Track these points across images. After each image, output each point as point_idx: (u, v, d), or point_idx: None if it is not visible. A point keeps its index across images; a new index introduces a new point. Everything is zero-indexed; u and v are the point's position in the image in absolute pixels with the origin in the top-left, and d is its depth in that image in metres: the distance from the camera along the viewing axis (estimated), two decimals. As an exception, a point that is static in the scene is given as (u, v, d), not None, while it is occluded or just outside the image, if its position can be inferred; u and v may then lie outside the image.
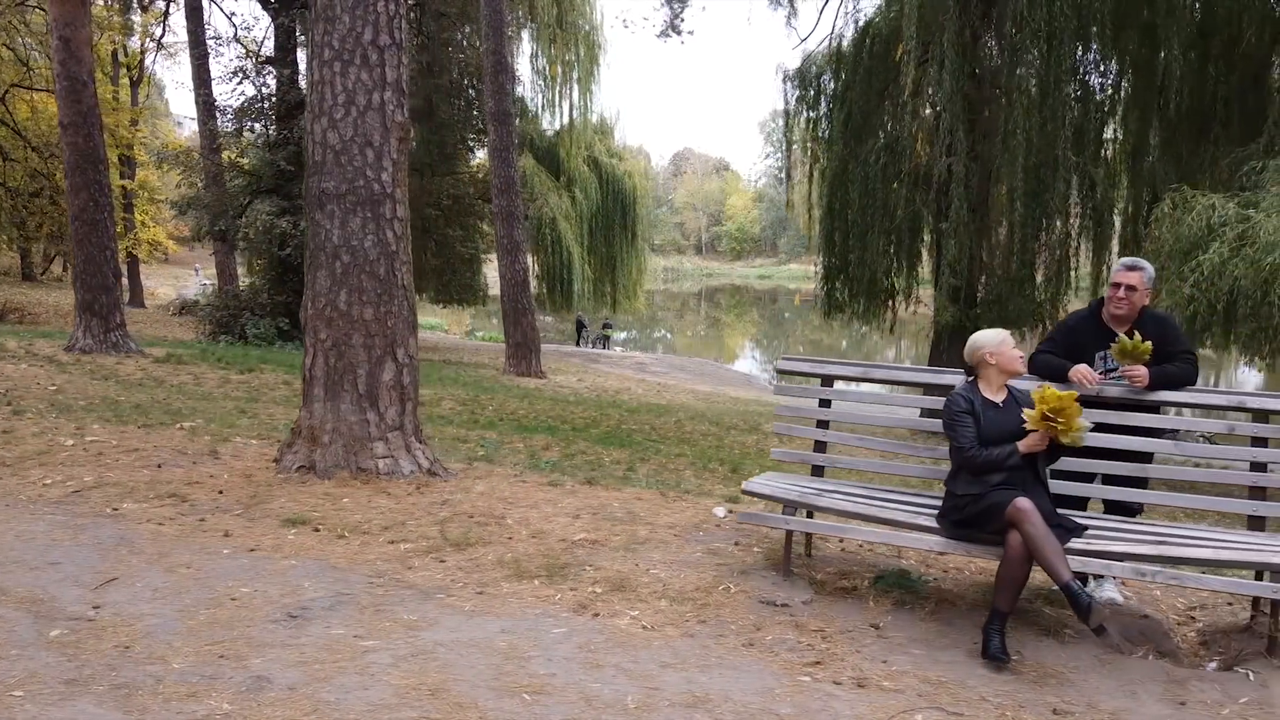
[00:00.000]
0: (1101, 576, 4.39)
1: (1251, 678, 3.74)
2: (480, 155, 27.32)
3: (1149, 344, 4.36)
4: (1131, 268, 4.55)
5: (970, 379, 4.35)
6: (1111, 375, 4.58)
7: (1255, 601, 4.17)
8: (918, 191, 14.68)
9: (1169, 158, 15.13)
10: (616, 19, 31.69)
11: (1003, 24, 12.82)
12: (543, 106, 31.54)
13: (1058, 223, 14.17)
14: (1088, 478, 4.59)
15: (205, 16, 25.20)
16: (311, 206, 6.18)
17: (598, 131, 32.20)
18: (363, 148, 6.07)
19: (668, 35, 20.58)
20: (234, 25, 40.23)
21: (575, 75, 29.93)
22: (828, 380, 4.94)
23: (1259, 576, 3.93)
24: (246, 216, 21.01)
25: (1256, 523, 4.19)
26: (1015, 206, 13.03)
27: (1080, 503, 4.67)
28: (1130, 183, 14.91)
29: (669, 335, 54.44)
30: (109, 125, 28.24)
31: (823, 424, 4.92)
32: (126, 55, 33.45)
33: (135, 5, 25.38)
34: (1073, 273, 15.34)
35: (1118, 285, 4.56)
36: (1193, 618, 4.64)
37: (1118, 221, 15.04)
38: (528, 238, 30.02)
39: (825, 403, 4.92)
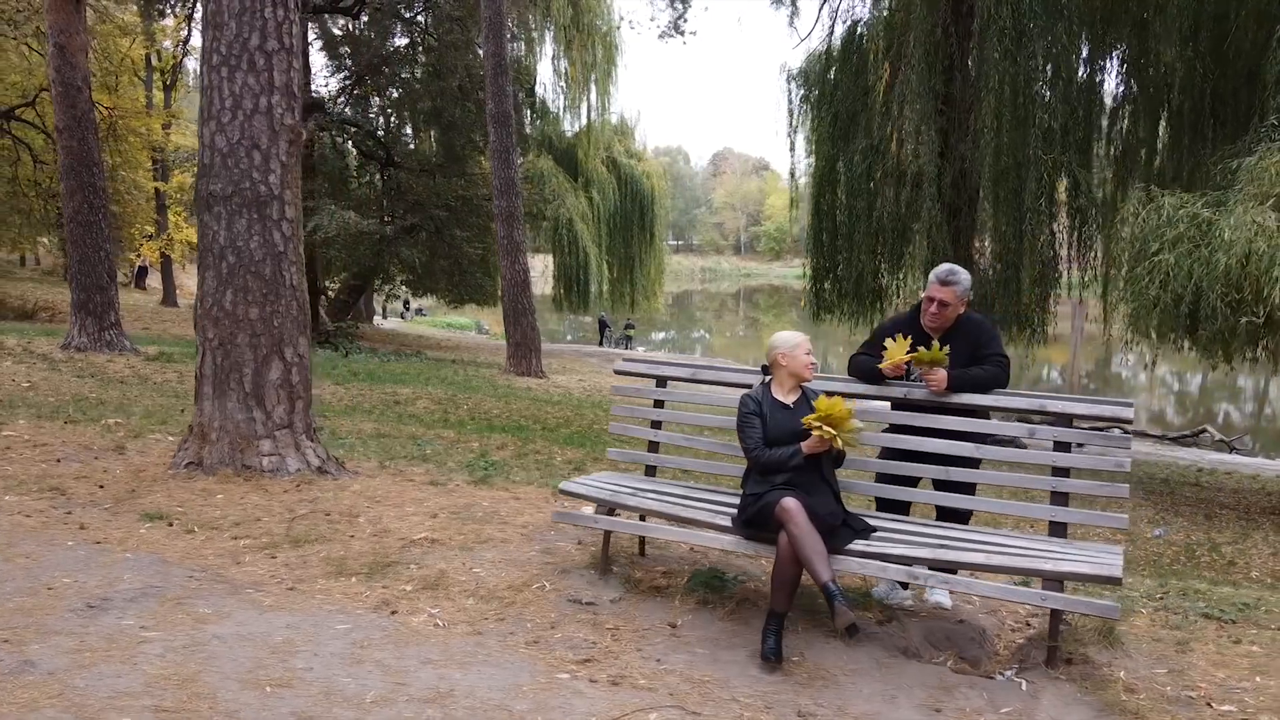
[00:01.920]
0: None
1: (1024, 687, 3.69)
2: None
3: (945, 350, 4.34)
4: (944, 282, 4.51)
5: (765, 379, 4.34)
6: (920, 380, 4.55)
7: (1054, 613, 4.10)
8: (899, 191, 14.51)
9: (1167, 156, 14.83)
10: (621, 19, 31.59)
11: (969, 21, 12.63)
12: (563, 108, 31.77)
13: (1044, 224, 13.90)
14: (912, 481, 4.55)
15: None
16: (200, 208, 6.32)
17: (617, 132, 32.31)
18: (249, 150, 6.20)
19: (669, 36, 20.56)
20: None
21: (593, 77, 30.05)
22: (661, 381, 4.94)
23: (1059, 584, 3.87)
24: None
25: (1058, 529, 4.12)
26: (984, 206, 12.83)
27: (904, 507, 4.63)
28: (1119, 183, 14.60)
29: (707, 335, 54.35)
30: (138, 128, 29.00)
31: (656, 424, 4.93)
32: (160, 59, 34.28)
33: (168, 11, 25.88)
34: (1065, 274, 15.09)
35: (931, 299, 4.53)
36: (1029, 624, 4.58)
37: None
38: (528, 238, 30.28)
39: (659, 403, 4.93)
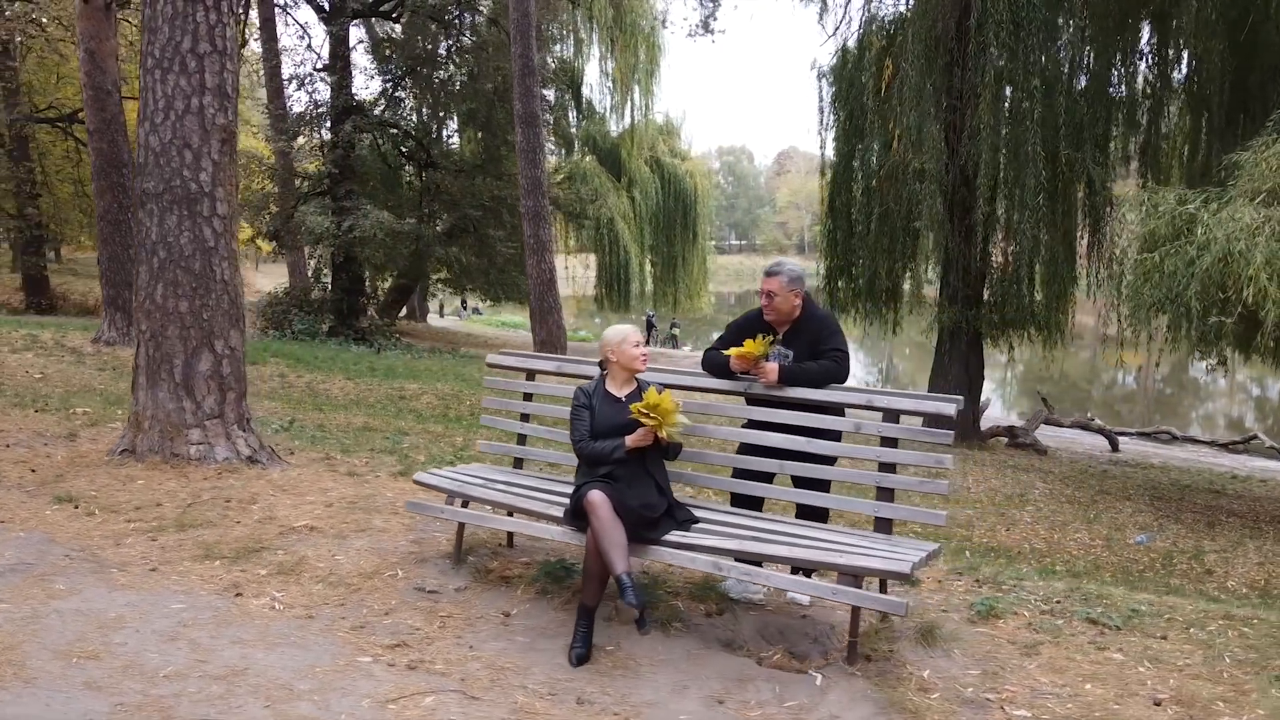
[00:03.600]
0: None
1: (819, 682, 3.67)
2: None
3: (765, 341, 4.34)
4: (769, 273, 4.53)
5: (602, 373, 4.38)
6: None
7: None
8: (901, 189, 14.30)
9: (1190, 152, 14.39)
10: (656, 19, 31.49)
11: (967, 18, 12.37)
12: (609, 108, 31.96)
13: (1056, 223, 13.58)
14: (764, 477, 4.54)
15: (276, 29, 26.37)
16: (136, 206, 6.57)
17: (662, 132, 32.37)
18: (180, 149, 6.42)
19: (698, 34, 20.53)
20: (307, 35, 41.78)
21: (636, 77, 30.15)
22: (530, 375, 5.01)
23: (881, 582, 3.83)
24: (295, 218, 21.95)
25: (883, 525, 4.08)
26: (981, 205, 12.57)
27: (758, 502, 4.62)
28: (1143, 181, 14.18)
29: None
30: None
31: (525, 417, 4.99)
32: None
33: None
34: (1086, 272, 14.71)
35: (761, 292, 4.55)
36: (881, 621, 4.53)
37: (1130, 218, 14.32)
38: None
39: (529, 396, 4.99)
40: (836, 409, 4.37)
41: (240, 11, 6.98)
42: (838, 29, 16.56)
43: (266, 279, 45.85)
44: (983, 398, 19.75)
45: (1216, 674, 3.93)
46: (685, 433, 4.28)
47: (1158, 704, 3.68)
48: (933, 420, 4.00)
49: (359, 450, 7.88)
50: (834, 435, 4.41)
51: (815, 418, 4.31)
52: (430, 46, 23.69)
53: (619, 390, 4.27)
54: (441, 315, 44.70)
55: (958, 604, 4.68)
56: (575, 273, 34.04)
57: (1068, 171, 13.60)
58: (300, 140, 23.77)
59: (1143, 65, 14.16)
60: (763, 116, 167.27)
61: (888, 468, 4.07)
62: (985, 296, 15.03)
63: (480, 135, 24.43)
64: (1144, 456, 17.85)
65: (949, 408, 3.95)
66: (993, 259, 14.82)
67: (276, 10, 25.53)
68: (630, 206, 30.26)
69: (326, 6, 22.74)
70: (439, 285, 28.23)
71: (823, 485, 4.49)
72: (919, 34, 12.37)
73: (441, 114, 25.11)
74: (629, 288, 29.91)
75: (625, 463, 4.05)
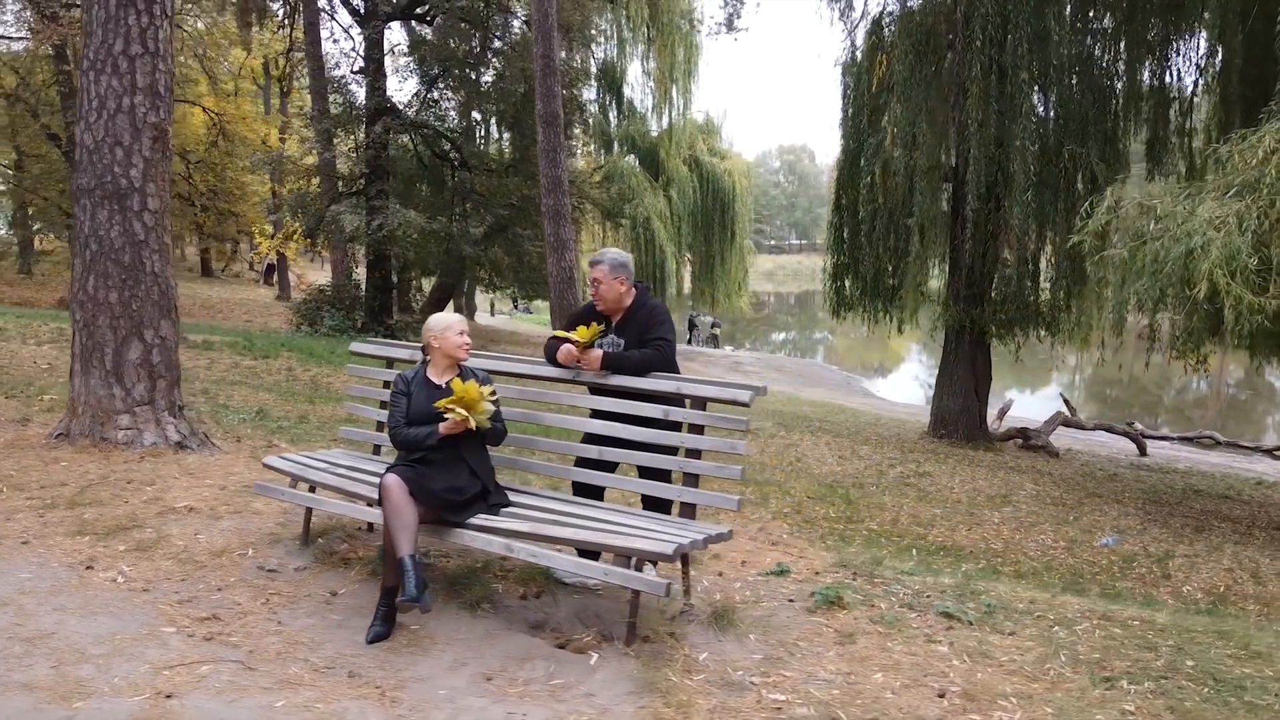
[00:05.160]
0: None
1: (592, 661, 3.73)
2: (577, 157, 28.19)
3: (595, 329, 4.41)
4: (593, 263, 4.62)
5: (424, 359, 4.49)
6: None
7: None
8: (893, 184, 14.14)
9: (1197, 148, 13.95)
10: (682, 18, 31.36)
11: (955, 11, 12.18)
12: (650, 108, 32.08)
13: (1057, 220, 13.30)
14: (602, 465, 4.61)
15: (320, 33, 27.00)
16: (74, 201, 6.88)
17: (702, 131, 32.38)
18: (112, 147, 6.71)
19: (720, 33, 20.54)
20: (351, 38, 42.50)
21: (675, 76, 30.21)
22: (389, 363, 5.15)
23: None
24: (328, 216, 22.51)
25: (688, 509, 4.12)
26: (969, 202, 12.37)
27: (598, 492, 4.69)
28: (1150, 177, 13.79)
29: (829, 336, 53.37)
30: (244, 134, 30.50)
31: (384, 405, 5.13)
32: (279, 68, 36.35)
33: (252, 21, 27.55)
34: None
35: (590, 280, 4.63)
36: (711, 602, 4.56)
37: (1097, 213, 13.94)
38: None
39: (388, 384, 5.13)
40: (667, 398, 4.42)
41: (169, 14, 7.20)
42: (856, 25, 16.40)
43: (325, 276, 47.10)
44: (1006, 398, 19.44)
45: (1040, 672, 3.89)
46: (517, 419, 4.39)
47: (941, 695, 3.67)
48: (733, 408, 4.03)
49: (311, 439, 8.12)
50: (673, 425, 4.47)
51: (637, 406, 4.38)
52: (464, 47, 24.08)
53: (439, 377, 4.38)
54: (493, 314, 45.32)
55: (807, 592, 4.70)
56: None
57: (1070, 167, 13.32)
58: (336, 141, 24.33)
59: (1149, 61, 13.76)
60: (824, 115, 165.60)
61: (694, 454, 4.11)
62: (991, 295, 14.79)
63: (511, 135, 24.73)
64: (1171, 461, 17.36)
65: (744, 395, 3.99)
66: (1000, 257, 14.57)
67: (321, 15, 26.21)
68: (667, 205, 30.32)
69: (362, 10, 23.29)
70: (480, 283, 28.63)
71: (662, 475, 4.54)
72: (907, 28, 12.22)
73: (474, 115, 25.47)
74: (665, 286, 29.96)
75: (439, 448, 4.17)
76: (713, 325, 35.22)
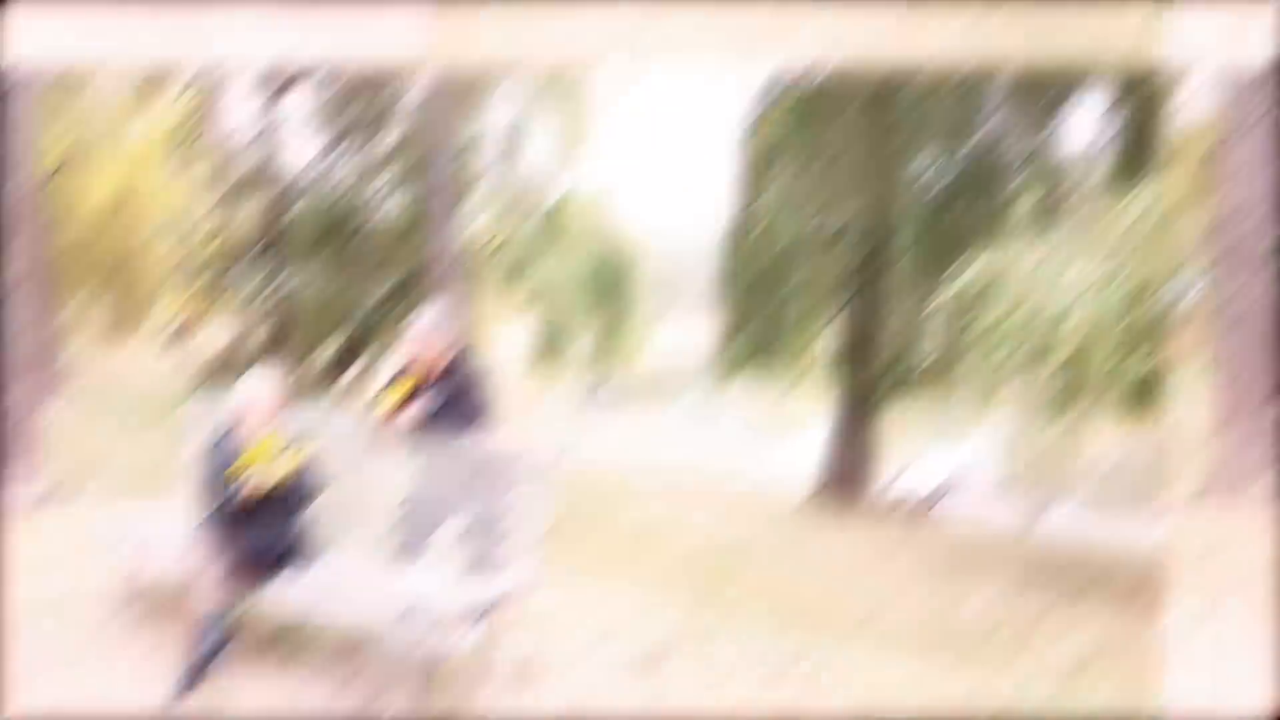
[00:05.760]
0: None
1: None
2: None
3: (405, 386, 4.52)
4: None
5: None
6: None
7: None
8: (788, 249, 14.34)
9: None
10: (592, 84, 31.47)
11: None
12: (551, 173, 32.23)
13: (934, 284, 13.60)
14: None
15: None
16: None
17: (601, 197, 32.67)
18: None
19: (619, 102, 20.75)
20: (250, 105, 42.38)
21: (576, 140, 30.48)
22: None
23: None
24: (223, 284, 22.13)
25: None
26: (855, 263, 12.68)
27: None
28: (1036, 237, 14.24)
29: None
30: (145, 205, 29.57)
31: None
32: (181, 134, 35.41)
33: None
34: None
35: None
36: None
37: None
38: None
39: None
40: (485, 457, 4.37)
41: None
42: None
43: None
44: (953, 469, 18.88)
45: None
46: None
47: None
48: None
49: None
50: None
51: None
52: (362, 113, 24.01)
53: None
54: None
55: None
56: (517, 336, 34.02)
57: (957, 228, 13.59)
58: (231, 209, 24.07)
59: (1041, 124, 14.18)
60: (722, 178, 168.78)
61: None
62: (880, 355, 14.97)
63: (411, 201, 24.63)
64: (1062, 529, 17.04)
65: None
66: (887, 317, 14.76)
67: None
68: (566, 269, 30.32)
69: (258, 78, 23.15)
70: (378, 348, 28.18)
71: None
72: (791, 93, 12.55)
73: (374, 179, 25.41)
74: (565, 352, 29.84)
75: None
76: (598, 389, 34.98)
